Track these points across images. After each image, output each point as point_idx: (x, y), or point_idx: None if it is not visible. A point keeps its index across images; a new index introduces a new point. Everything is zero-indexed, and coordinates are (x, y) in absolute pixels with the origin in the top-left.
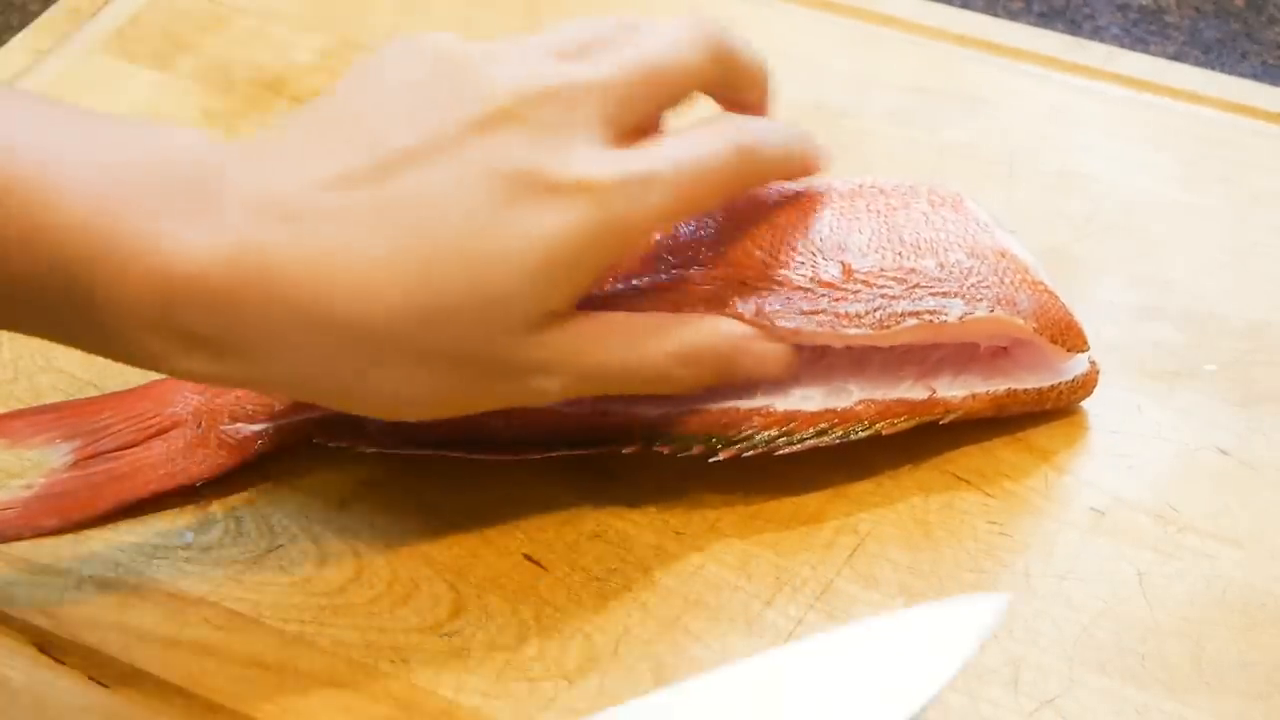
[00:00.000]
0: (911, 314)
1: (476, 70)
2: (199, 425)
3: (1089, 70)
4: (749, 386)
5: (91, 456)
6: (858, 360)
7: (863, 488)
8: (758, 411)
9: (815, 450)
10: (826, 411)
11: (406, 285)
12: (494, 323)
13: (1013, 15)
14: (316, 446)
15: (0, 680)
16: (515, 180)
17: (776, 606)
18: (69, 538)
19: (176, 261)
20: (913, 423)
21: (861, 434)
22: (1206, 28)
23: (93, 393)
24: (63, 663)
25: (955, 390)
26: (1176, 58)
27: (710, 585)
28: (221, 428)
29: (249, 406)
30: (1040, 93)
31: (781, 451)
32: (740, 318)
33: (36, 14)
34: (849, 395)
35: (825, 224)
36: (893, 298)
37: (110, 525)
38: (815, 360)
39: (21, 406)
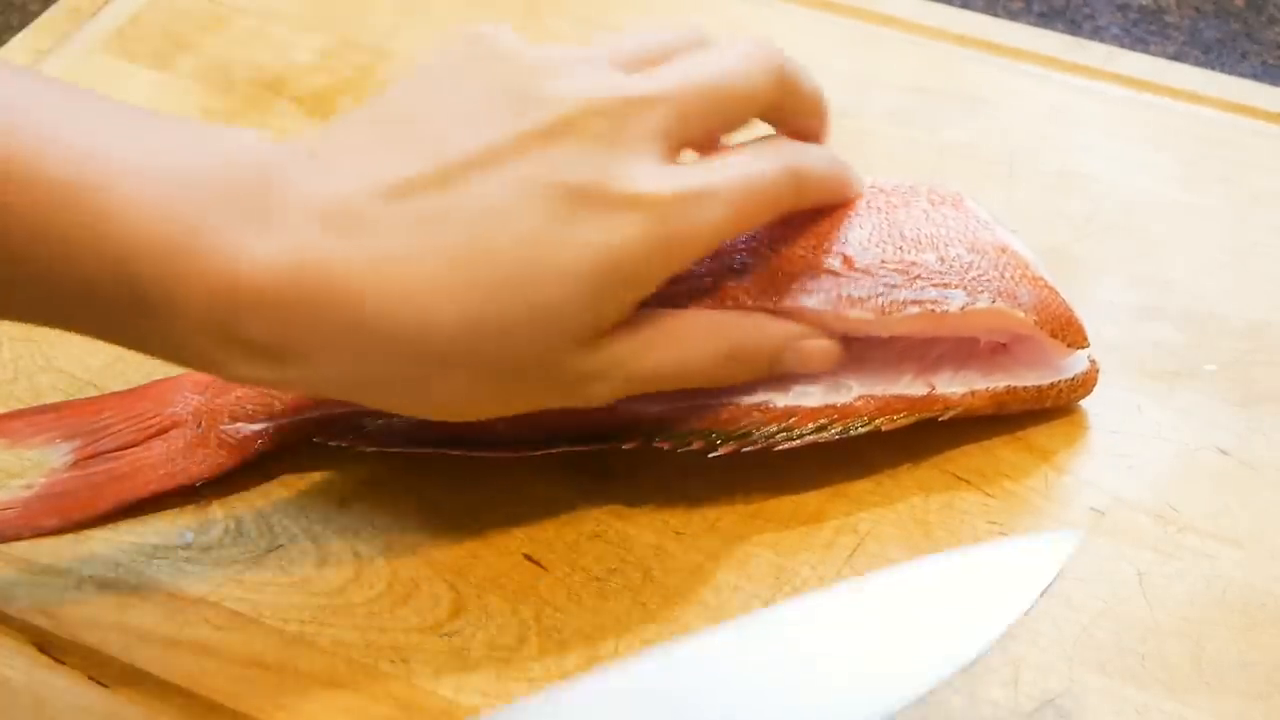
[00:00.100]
0: (913, 302)
1: (539, 79)
2: (199, 425)
3: (1089, 70)
4: (790, 381)
5: (91, 456)
6: (857, 357)
7: (862, 487)
8: (757, 407)
9: (815, 449)
10: (826, 407)
11: (465, 297)
12: (550, 335)
13: (1013, 15)
14: (316, 446)
15: (0, 680)
16: (574, 193)
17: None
18: (69, 538)
19: (240, 271)
20: (912, 419)
21: (861, 430)
22: (1206, 28)
23: (92, 393)
24: (63, 663)
25: (955, 387)
26: (1176, 58)
27: (710, 585)
28: (221, 427)
29: (249, 406)
30: (1040, 93)
31: (781, 447)
32: (742, 306)
33: (36, 14)
34: (849, 391)
35: (826, 220)
36: (894, 286)
37: (110, 525)
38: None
39: (21, 406)
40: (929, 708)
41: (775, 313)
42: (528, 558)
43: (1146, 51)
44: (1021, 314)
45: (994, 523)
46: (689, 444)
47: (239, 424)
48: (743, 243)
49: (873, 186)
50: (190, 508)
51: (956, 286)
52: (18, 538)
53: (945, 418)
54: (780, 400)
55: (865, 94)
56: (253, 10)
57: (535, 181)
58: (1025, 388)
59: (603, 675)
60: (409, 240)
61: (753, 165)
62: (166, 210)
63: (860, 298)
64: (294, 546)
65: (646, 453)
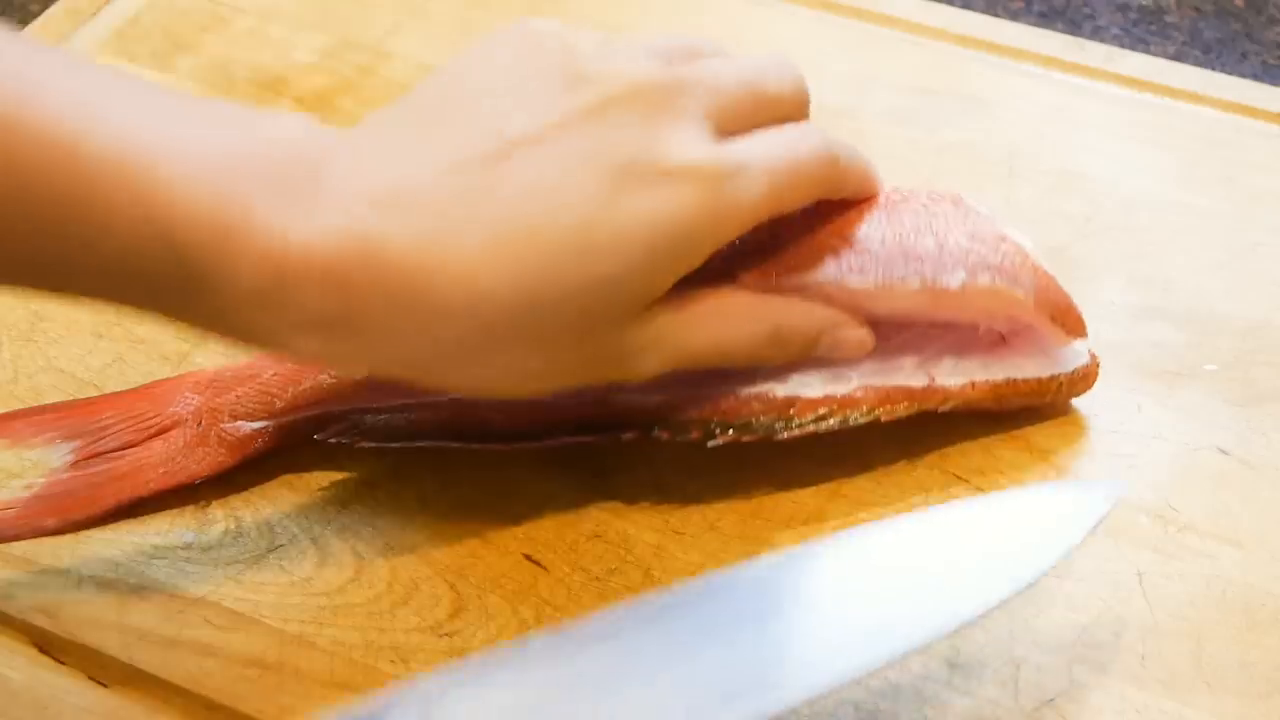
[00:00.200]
0: (915, 274)
1: (587, 60)
2: (199, 424)
3: (1089, 70)
4: (789, 371)
5: (92, 456)
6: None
7: (862, 487)
8: (757, 397)
9: (815, 449)
10: (826, 398)
11: (520, 269)
12: (604, 305)
13: (1013, 15)
14: (317, 446)
15: (0, 680)
16: (625, 166)
17: None
18: (69, 538)
19: (291, 241)
20: (911, 410)
21: (860, 420)
22: (1206, 28)
23: (93, 393)
24: (63, 663)
25: (954, 378)
26: (1176, 58)
27: None
28: (221, 426)
29: (249, 405)
30: (1040, 93)
31: (780, 436)
32: (745, 286)
33: (36, 14)
34: (848, 381)
35: (833, 209)
36: (895, 263)
37: (110, 525)
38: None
39: (22, 407)
40: (931, 708)
41: (775, 289)
42: (528, 558)
43: (1146, 51)
44: (1021, 294)
45: None
46: (688, 433)
47: (239, 422)
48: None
49: None
50: (190, 508)
51: (958, 266)
52: (18, 538)
53: (945, 408)
54: (780, 390)
55: (865, 94)
56: (253, 10)
57: (586, 155)
58: (1025, 380)
59: (713, 579)
60: (464, 214)
61: (793, 145)
62: (214, 185)
63: (861, 268)
64: (294, 546)
65: (646, 451)
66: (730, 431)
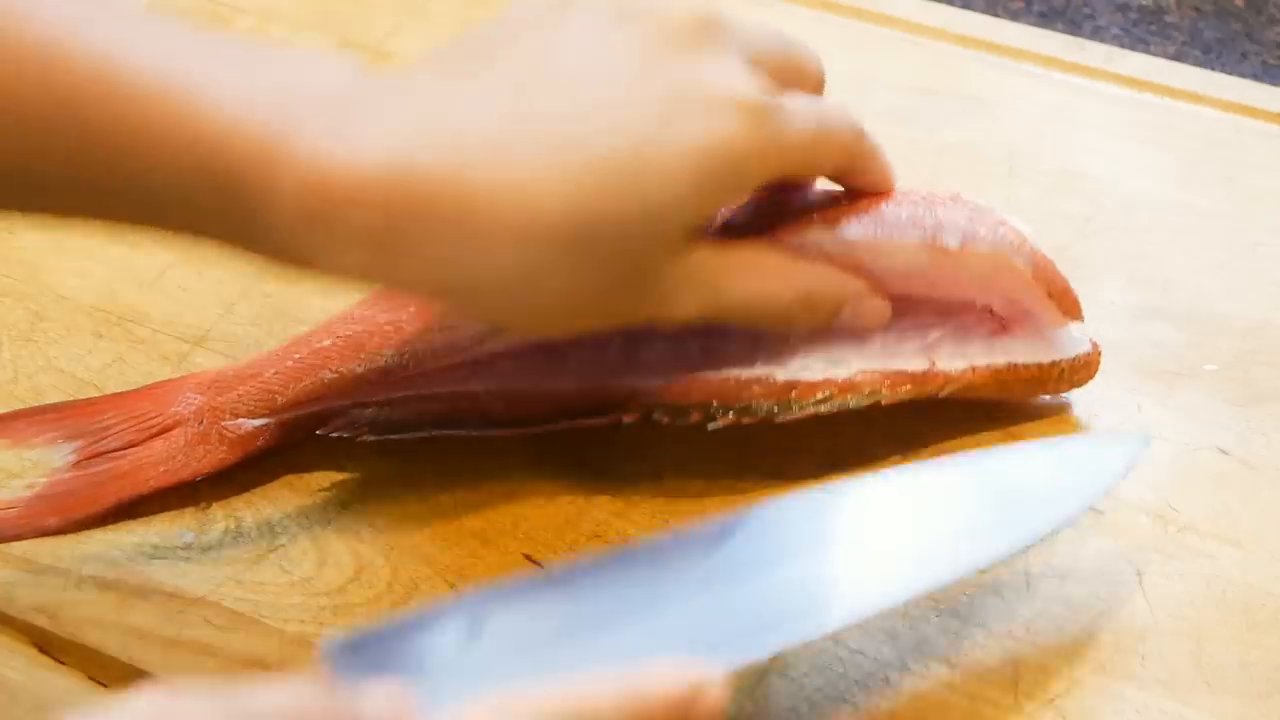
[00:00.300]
0: (917, 231)
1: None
2: (200, 423)
3: (1089, 70)
4: (789, 354)
5: (94, 456)
6: (858, 337)
7: None
8: (757, 381)
9: (815, 448)
10: (826, 381)
11: (570, 186)
12: (650, 231)
13: (1013, 15)
14: (318, 445)
15: (0, 680)
16: (676, 92)
17: None
18: (69, 538)
19: (338, 157)
20: (912, 394)
21: (861, 404)
22: (1206, 28)
23: (93, 393)
24: (63, 663)
25: (955, 362)
26: (1176, 58)
27: None
28: (223, 424)
29: (250, 403)
30: (1040, 93)
31: (781, 419)
32: (776, 247)
33: None
34: (848, 365)
35: (827, 196)
36: (900, 223)
37: (110, 525)
38: (816, 338)
39: (22, 407)
40: (931, 708)
41: (794, 248)
42: (528, 558)
43: (1146, 51)
44: (1019, 263)
45: None
46: (688, 417)
47: (240, 420)
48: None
49: None
50: (190, 508)
51: (957, 231)
52: (19, 537)
53: (945, 392)
54: (780, 374)
55: (865, 94)
56: (253, 10)
57: (637, 81)
58: (1026, 365)
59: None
60: (515, 134)
61: (832, 110)
62: (261, 108)
63: (864, 225)
64: (294, 546)
65: (647, 452)
66: (730, 414)
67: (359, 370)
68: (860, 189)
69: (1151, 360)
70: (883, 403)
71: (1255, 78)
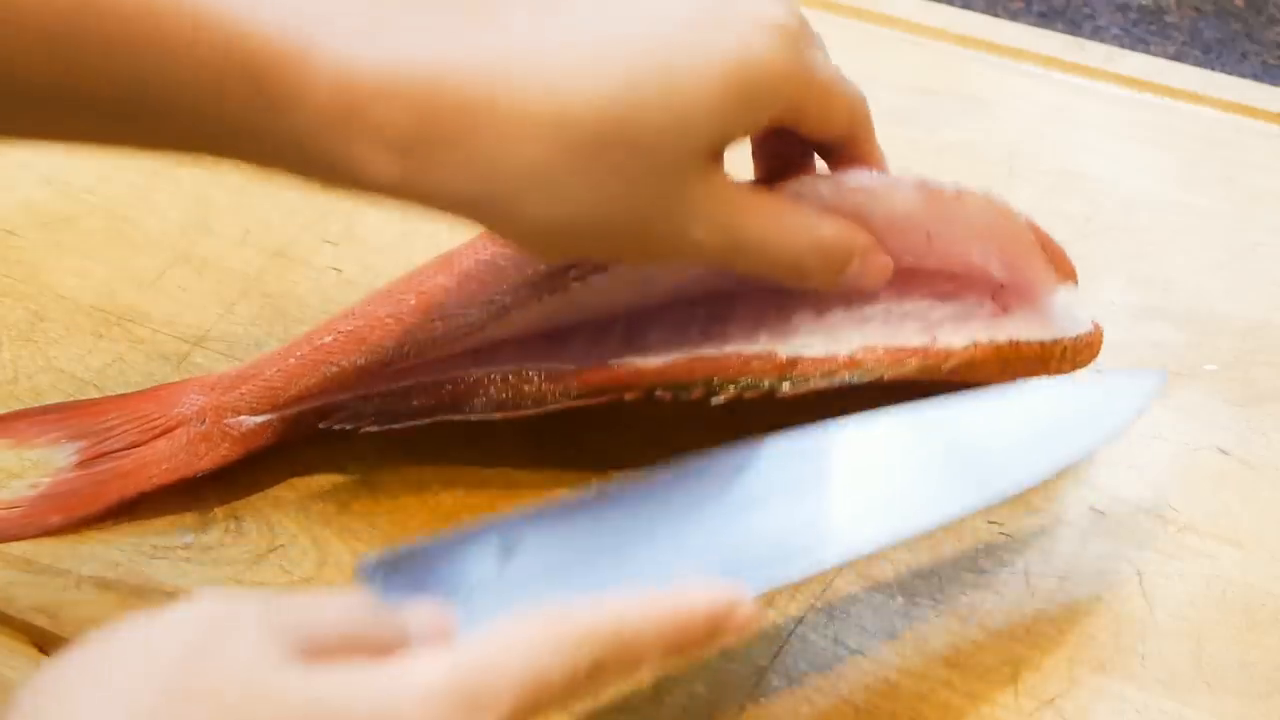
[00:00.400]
0: (912, 178)
1: None
2: (203, 421)
3: (1089, 70)
4: (792, 333)
5: (97, 457)
6: (859, 317)
7: None
8: (759, 357)
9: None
10: (828, 358)
11: (601, 86)
12: (676, 142)
13: (1013, 15)
14: (318, 446)
15: (0, 680)
16: (712, 6)
17: (777, 606)
18: (69, 538)
19: (366, 58)
20: (914, 370)
21: (864, 378)
22: (1206, 28)
23: (94, 393)
24: None
25: (957, 338)
26: (1176, 58)
27: None
28: (225, 421)
29: (252, 400)
30: (1040, 93)
31: (782, 394)
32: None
33: None
34: (850, 342)
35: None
36: (894, 175)
37: (111, 526)
38: (819, 315)
39: (22, 407)
40: (931, 708)
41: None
42: None
43: (1146, 51)
44: (1014, 212)
45: (994, 522)
46: (690, 393)
47: (242, 417)
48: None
49: None
50: (191, 508)
51: (952, 185)
52: (22, 536)
53: (948, 366)
54: (783, 350)
55: (865, 94)
56: None
57: None
58: (1029, 343)
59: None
60: (546, 33)
61: (845, 76)
62: (289, 11)
63: (860, 173)
64: (294, 546)
65: (649, 452)
66: (732, 389)
67: (361, 363)
68: (857, 163)
69: (1151, 360)
70: (885, 378)
71: (1255, 78)
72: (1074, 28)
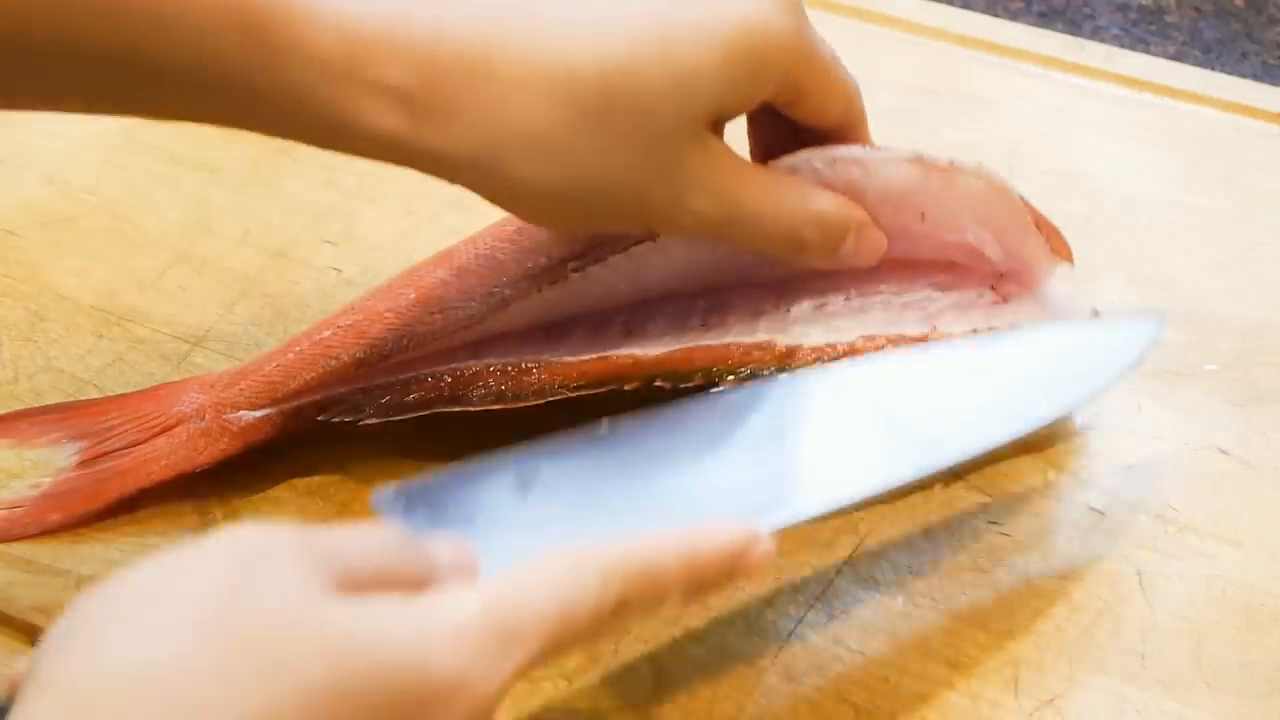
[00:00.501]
0: (907, 149)
1: None
2: (202, 418)
3: (1089, 70)
4: (828, 269)
5: (98, 457)
6: (858, 308)
7: None
8: (758, 346)
9: None
10: (827, 347)
11: (605, 45)
12: (675, 107)
13: (1013, 15)
14: (318, 446)
15: (1, 681)
16: None
17: (776, 606)
18: (68, 538)
19: (368, 17)
20: None
21: None
22: (1206, 28)
23: (93, 393)
24: None
25: (956, 328)
26: (1176, 58)
27: None
28: (225, 417)
29: (251, 395)
30: (1040, 93)
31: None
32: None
33: None
34: (850, 334)
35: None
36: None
37: (111, 525)
38: (818, 306)
39: (22, 407)
40: (931, 708)
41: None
42: None
43: (1146, 51)
44: (1008, 186)
45: (994, 523)
46: (689, 381)
47: (241, 412)
48: None
49: None
50: (190, 507)
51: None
52: (22, 536)
53: None
54: (782, 340)
55: (865, 94)
56: None
57: None
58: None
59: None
60: None
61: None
62: None
63: (853, 148)
64: None
65: (647, 395)
66: (731, 378)
67: (360, 356)
68: None
69: (1151, 360)
70: None
71: (1255, 78)
72: (1074, 28)
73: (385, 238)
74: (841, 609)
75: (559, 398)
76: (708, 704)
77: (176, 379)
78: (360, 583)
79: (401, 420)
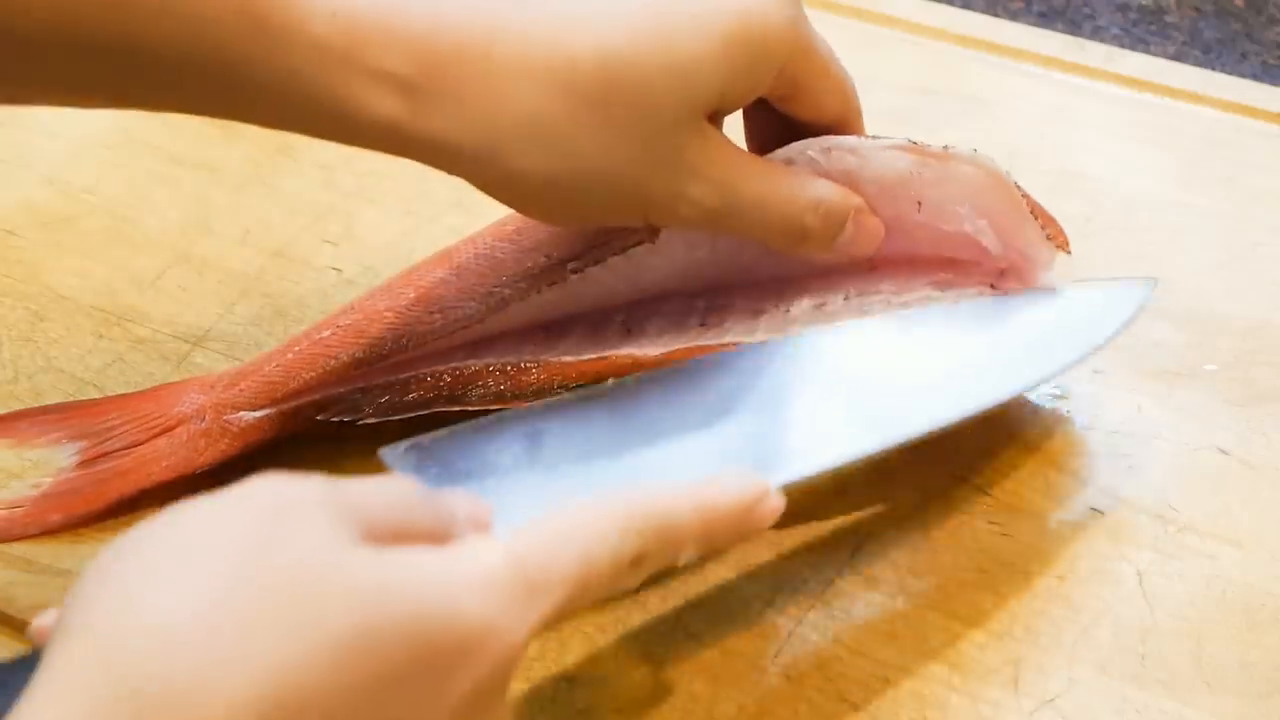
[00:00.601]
0: (901, 138)
1: None
2: (203, 419)
3: (1089, 70)
4: (827, 260)
5: (98, 457)
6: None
7: (862, 486)
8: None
9: None
10: None
11: (604, 36)
12: (674, 98)
13: (1013, 15)
14: (317, 446)
15: None
16: None
17: (776, 606)
18: (68, 538)
19: (366, 2)
20: None
21: None
22: (1206, 28)
23: (93, 393)
24: None
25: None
26: (1176, 58)
27: (710, 585)
28: (225, 418)
29: (251, 396)
30: (1040, 93)
31: None
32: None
33: None
34: None
35: None
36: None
37: (111, 525)
38: (818, 306)
39: (22, 407)
40: (931, 708)
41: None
42: None
43: (1146, 51)
44: (1002, 172)
45: (994, 523)
46: None
47: (241, 413)
48: None
49: None
50: None
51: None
52: (23, 536)
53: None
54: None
55: (865, 94)
56: None
57: None
58: None
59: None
60: None
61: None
62: None
63: (847, 139)
64: None
65: None
66: None
67: (360, 356)
68: None
69: (1151, 360)
70: None
71: (1255, 78)
72: (1074, 28)
73: (385, 238)
74: (841, 609)
75: (557, 397)
76: (708, 704)
77: (176, 379)
78: (383, 534)
79: (401, 420)
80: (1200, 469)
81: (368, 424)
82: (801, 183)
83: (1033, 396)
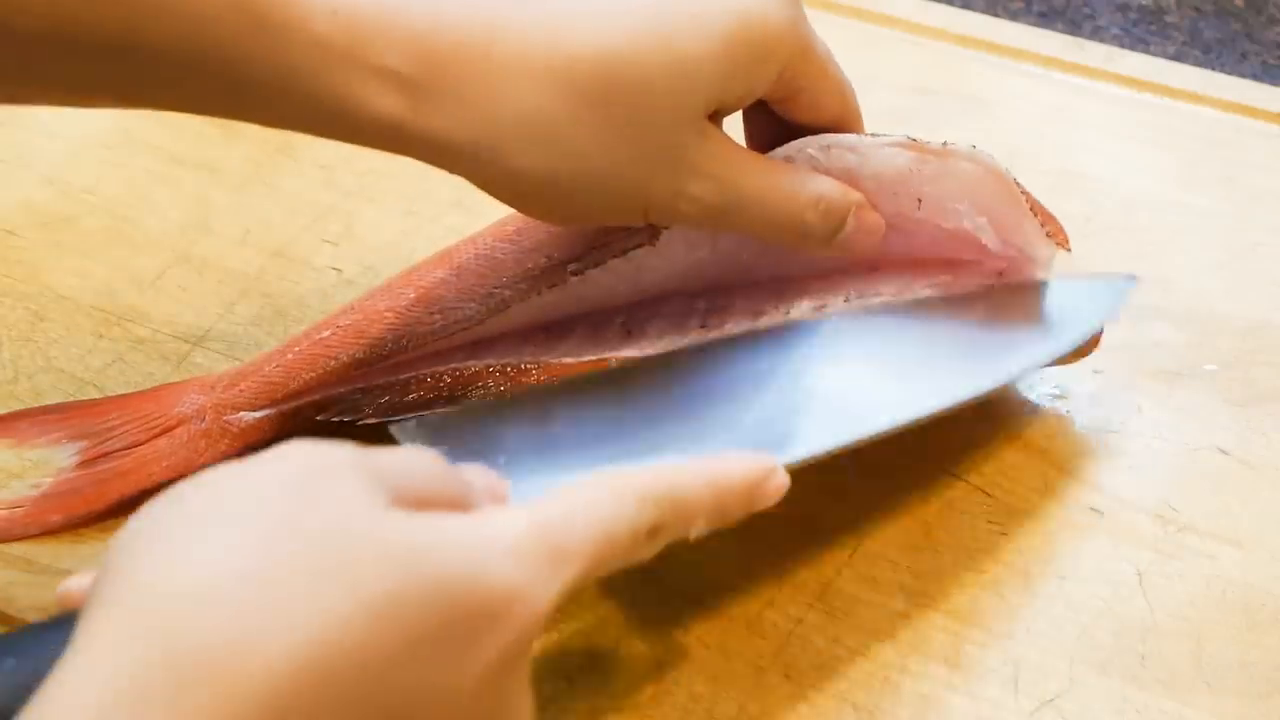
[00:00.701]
0: (900, 136)
1: None
2: (203, 420)
3: (1089, 70)
4: (827, 257)
5: (98, 457)
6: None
7: (863, 487)
8: None
9: None
10: None
11: (605, 35)
12: (674, 98)
13: (1013, 15)
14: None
15: None
16: None
17: (776, 606)
18: (68, 538)
19: (365, 3)
20: None
21: None
22: (1206, 28)
23: (93, 393)
24: None
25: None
26: (1176, 58)
27: (710, 585)
28: (225, 418)
29: (251, 396)
30: (1040, 93)
31: None
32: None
33: None
34: None
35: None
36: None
37: (111, 525)
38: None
39: (22, 407)
40: (931, 708)
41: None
42: None
43: (1146, 51)
44: (1001, 168)
45: (994, 523)
46: None
47: (241, 413)
48: None
49: None
50: None
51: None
52: (23, 536)
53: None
54: None
55: (865, 94)
56: None
57: None
58: None
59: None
60: None
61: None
62: None
63: (846, 136)
64: None
65: None
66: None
67: (360, 356)
68: None
69: (1151, 360)
70: None
71: (1255, 78)
72: (1074, 28)
73: (385, 238)
74: (841, 609)
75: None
76: (708, 704)
77: (176, 379)
78: (410, 500)
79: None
80: (1200, 469)
81: (368, 424)
82: (802, 179)
83: (1033, 396)
